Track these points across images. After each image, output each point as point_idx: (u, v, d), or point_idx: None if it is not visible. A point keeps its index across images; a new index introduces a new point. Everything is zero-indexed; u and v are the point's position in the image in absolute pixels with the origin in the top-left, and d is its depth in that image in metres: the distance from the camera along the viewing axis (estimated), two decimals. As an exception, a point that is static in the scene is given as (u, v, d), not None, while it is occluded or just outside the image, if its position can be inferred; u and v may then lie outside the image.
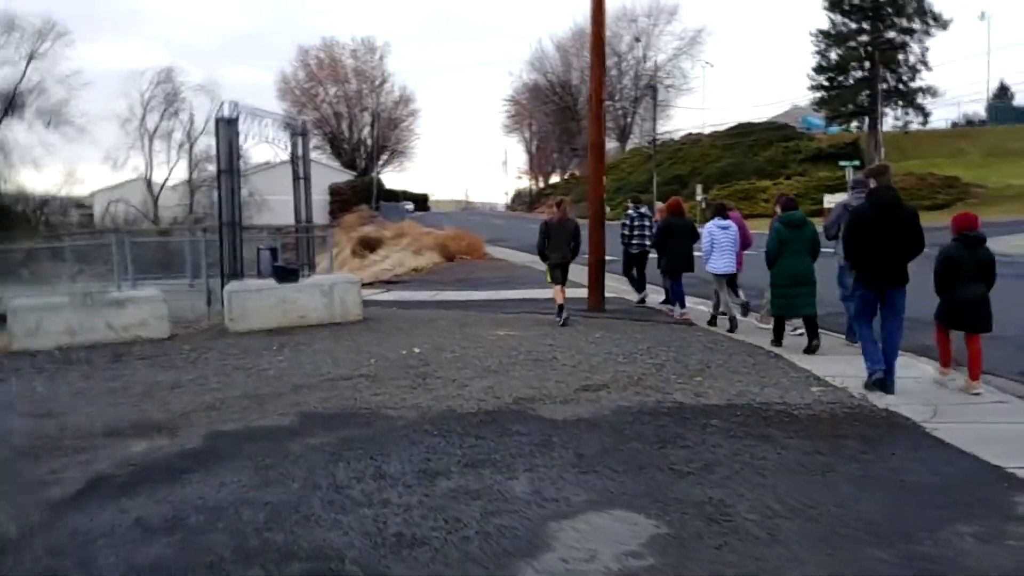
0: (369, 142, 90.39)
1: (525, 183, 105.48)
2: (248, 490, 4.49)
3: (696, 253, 11.21)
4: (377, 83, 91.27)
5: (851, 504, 4.03)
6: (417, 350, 8.81)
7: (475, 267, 23.18)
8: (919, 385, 6.88)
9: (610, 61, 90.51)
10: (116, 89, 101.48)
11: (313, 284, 11.59)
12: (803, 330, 8.85)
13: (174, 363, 8.82)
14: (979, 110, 63.32)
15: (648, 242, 12.49)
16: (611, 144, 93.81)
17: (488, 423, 5.69)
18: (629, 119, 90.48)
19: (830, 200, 41.77)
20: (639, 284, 13.09)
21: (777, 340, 8.78)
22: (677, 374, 7.18)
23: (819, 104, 52.44)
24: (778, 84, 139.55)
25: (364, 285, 17.12)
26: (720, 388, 6.59)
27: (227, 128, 14.58)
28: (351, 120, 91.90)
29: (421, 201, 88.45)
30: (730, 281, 10.44)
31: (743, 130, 62.14)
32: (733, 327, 9.96)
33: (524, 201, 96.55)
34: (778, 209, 9.65)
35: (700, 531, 3.70)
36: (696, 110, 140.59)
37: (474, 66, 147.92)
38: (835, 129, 58.21)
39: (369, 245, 37.23)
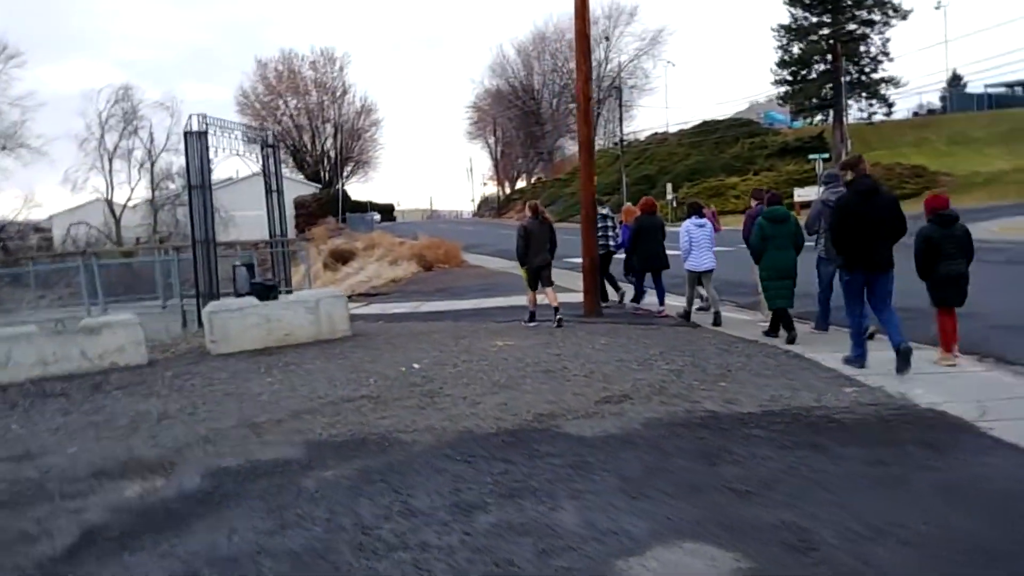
0: (332, 154, 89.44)
1: (491, 189, 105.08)
2: (264, 536, 4.02)
3: (674, 253, 11.36)
4: (338, 94, 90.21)
5: (940, 521, 3.69)
6: (417, 366, 8.36)
7: (455, 276, 22.73)
8: (954, 380, 6.61)
9: (572, 64, 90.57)
10: (73, 110, 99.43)
11: (298, 300, 11.08)
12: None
13: (157, 391, 8.27)
14: (934, 99, 64.14)
15: (613, 243, 12.71)
16: (577, 146, 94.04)
17: (513, 444, 5.27)
18: (593, 121, 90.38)
19: (800, 194, 42.06)
20: (613, 285, 13.07)
21: (784, 328, 8.84)
22: (699, 380, 6.83)
23: (783, 99, 52.79)
24: (739, 81, 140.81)
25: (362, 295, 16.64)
26: (750, 394, 6.24)
27: (197, 142, 14.01)
28: (313, 132, 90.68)
29: (387, 211, 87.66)
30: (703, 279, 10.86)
31: (707, 128, 62.37)
32: (717, 321, 10.29)
33: (492, 207, 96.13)
34: (753, 203, 10.44)
35: (785, 563, 3.33)
36: (659, 109, 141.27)
37: (434, 74, 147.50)
38: (798, 123, 58.69)
39: (341, 257, 36.58)
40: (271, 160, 17.00)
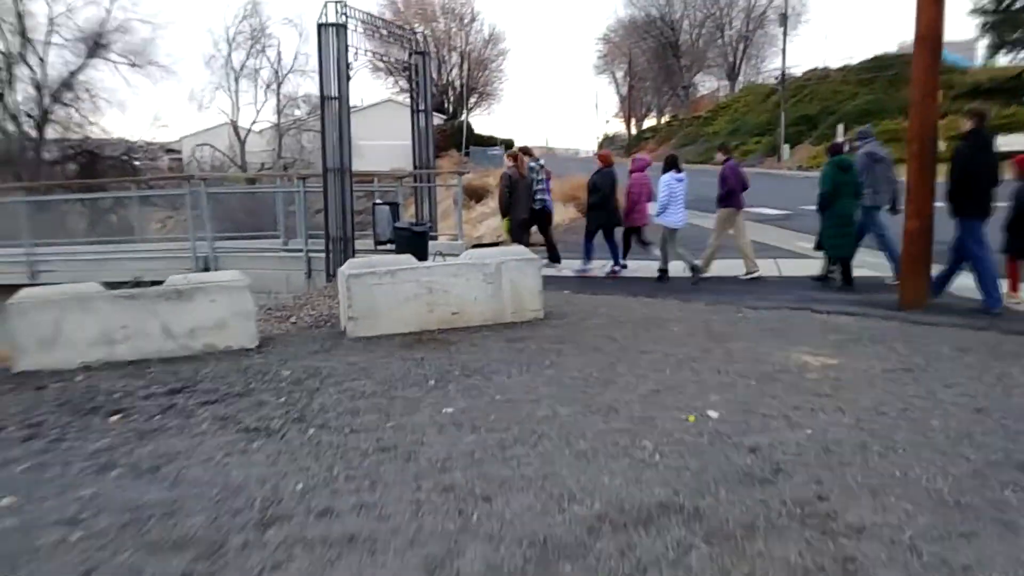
0: (458, 84, 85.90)
1: (615, 127, 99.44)
2: None
3: None
4: (466, 21, 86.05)
5: None
6: (714, 415, 4.64)
7: (621, 224, 18.73)
8: None
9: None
10: (202, 27, 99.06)
11: (472, 264, 7.52)
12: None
13: (267, 420, 4.93)
14: None
15: (548, 197, 11.81)
16: (720, 83, 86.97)
17: None
18: (739, 56, 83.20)
19: (1004, 142, 35.51)
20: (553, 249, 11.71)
21: (848, 280, 9.14)
22: None
23: (981, 30, 45.03)
24: (898, 16, 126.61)
25: (483, 246, 13.00)
26: None
27: (335, 37, 10.63)
28: (439, 61, 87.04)
29: (508, 147, 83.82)
30: (639, 235, 11.07)
31: (880, 64, 54.92)
32: (696, 277, 9.96)
33: (619, 146, 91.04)
34: (719, 155, 10.91)
35: None
36: (812, 44, 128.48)
37: (560, 3, 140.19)
38: (972, 63, 50.48)
39: (474, 194, 33.28)
40: (420, 71, 13.49)
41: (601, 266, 11.17)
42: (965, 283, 8.35)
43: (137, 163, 47.92)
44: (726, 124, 65.15)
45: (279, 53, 50.42)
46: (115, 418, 5.09)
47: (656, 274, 10.30)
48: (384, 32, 12.27)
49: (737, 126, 61.95)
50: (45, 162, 46.23)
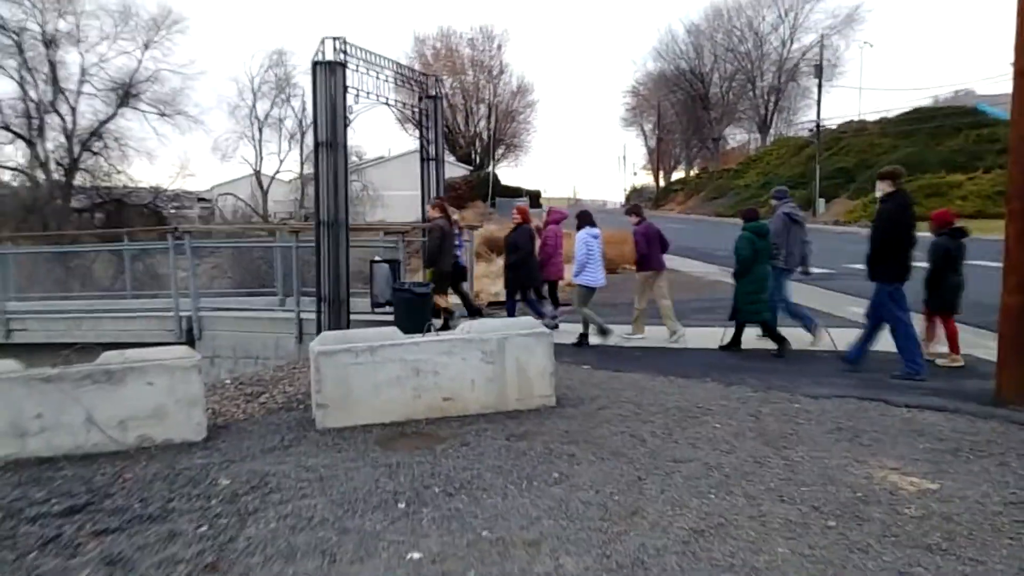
0: (485, 135, 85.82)
1: (643, 179, 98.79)
2: None
3: None
4: (495, 73, 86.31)
5: None
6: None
7: (650, 282, 17.32)
8: None
9: (749, 44, 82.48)
10: (229, 76, 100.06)
11: (469, 340, 6.22)
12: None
13: (175, 559, 3.69)
14: None
15: (461, 253, 11.39)
16: (751, 135, 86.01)
17: None
18: (770, 108, 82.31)
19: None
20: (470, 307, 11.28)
21: (736, 343, 9.06)
22: None
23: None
24: (942, 66, 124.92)
25: (496, 304, 11.90)
26: None
27: (330, 77, 9.56)
28: (467, 113, 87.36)
29: (535, 198, 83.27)
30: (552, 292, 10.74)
31: (921, 115, 53.55)
32: (583, 343, 9.48)
33: (647, 197, 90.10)
34: (633, 218, 10.09)
35: None
36: (847, 95, 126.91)
37: (590, 56, 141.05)
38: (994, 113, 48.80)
39: (496, 247, 32.19)
40: (431, 116, 12.42)
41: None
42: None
43: (172, 211, 47.66)
44: (757, 177, 63.95)
45: (304, 103, 50.29)
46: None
47: (579, 338, 9.64)
48: (391, 74, 11.22)
49: (769, 179, 60.62)
50: (73, 210, 46.12)
